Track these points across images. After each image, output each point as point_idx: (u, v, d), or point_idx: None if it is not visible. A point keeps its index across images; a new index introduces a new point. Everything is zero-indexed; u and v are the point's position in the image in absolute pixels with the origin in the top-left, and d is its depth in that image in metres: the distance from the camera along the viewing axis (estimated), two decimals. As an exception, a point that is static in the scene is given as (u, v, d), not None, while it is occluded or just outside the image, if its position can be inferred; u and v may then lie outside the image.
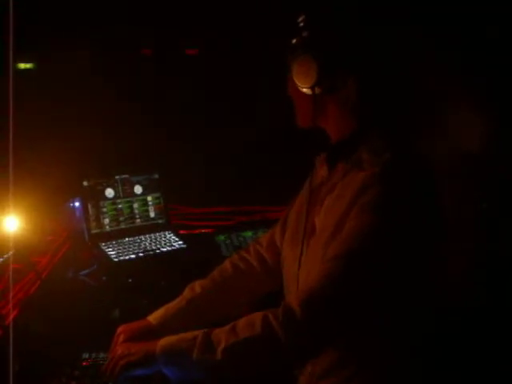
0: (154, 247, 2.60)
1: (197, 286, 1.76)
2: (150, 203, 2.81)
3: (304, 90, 1.43)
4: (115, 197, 2.72)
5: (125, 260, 2.48)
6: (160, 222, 2.82)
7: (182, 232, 2.81)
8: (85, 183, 2.65)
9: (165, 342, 1.41)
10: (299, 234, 1.54)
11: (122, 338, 1.58)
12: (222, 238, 2.73)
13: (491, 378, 2.15)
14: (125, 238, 2.66)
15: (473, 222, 2.52)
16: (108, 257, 2.48)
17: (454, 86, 2.53)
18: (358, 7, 1.42)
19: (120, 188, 2.74)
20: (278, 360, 1.35)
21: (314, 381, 1.49)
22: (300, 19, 1.41)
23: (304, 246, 1.50)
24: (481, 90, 2.52)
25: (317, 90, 1.40)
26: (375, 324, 1.38)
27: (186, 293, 1.75)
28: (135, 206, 2.77)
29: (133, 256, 2.51)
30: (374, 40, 1.40)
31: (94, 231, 2.63)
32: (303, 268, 1.48)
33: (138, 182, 2.80)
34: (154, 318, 1.67)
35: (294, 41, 1.43)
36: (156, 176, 2.84)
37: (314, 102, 1.43)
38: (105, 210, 2.68)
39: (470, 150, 2.54)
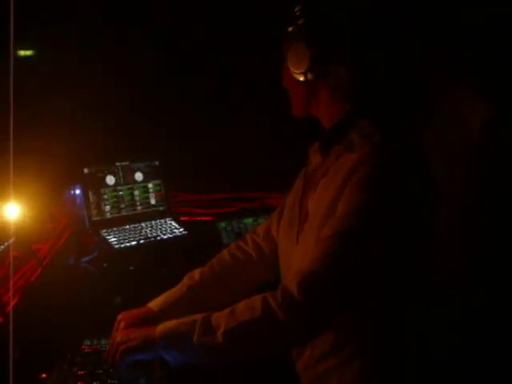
0: (154, 234, 2.61)
1: (196, 273, 1.77)
2: (150, 190, 2.81)
3: (297, 76, 1.45)
4: (116, 184, 2.72)
5: (126, 247, 2.48)
6: (161, 208, 2.82)
7: (182, 219, 2.82)
8: (85, 170, 2.65)
9: (164, 326, 1.42)
10: (294, 220, 1.57)
11: (122, 324, 1.59)
12: (222, 224, 2.73)
13: (490, 378, 2.15)
14: (126, 225, 2.67)
15: (473, 221, 2.52)
16: (109, 244, 2.49)
17: (453, 82, 2.52)
18: None
19: (121, 175, 2.74)
20: (278, 341, 1.37)
21: (313, 364, 1.51)
22: (296, 8, 1.43)
23: (299, 232, 1.52)
24: (480, 87, 2.51)
25: (309, 76, 1.43)
26: (371, 305, 1.39)
27: (186, 280, 1.76)
28: (136, 193, 2.77)
29: (134, 243, 2.51)
30: (367, 28, 1.42)
31: (94, 218, 2.63)
32: (298, 253, 1.49)
33: (139, 169, 2.80)
34: (154, 304, 1.68)
35: (290, 29, 1.45)
36: (156, 163, 2.85)
37: (307, 88, 1.46)
38: (106, 197, 2.68)
39: (470, 149, 2.53)
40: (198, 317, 1.39)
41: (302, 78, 1.44)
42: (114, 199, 2.70)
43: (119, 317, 1.63)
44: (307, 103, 1.50)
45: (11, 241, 2.23)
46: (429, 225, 1.41)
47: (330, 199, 1.39)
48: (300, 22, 1.42)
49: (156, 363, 1.45)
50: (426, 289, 1.47)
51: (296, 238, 1.52)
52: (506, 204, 2.42)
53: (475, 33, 2.40)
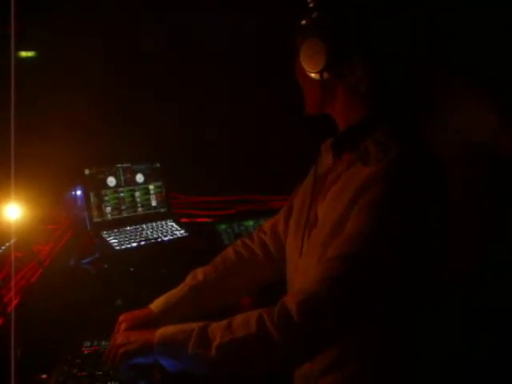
0: (155, 236, 2.61)
1: (199, 272, 1.75)
2: (151, 192, 2.81)
3: (312, 74, 1.37)
4: (117, 185, 2.72)
5: (126, 248, 2.48)
6: (162, 210, 2.82)
7: (183, 221, 2.82)
8: (86, 172, 2.65)
9: (163, 331, 1.40)
10: (302, 223, 1.52)
11: (123, 326, 1.58)
12: (223, 226, 2.73)
13: (490, 378, 2.15)
14: (126, 226, 2.67)
15: (473, 221, 2.52)
16: (110, 245, 2.49)
17: (454, 82, 2.52)
18: None
19: (122, 177, 2.74)
20: (272, 360, 1.32)
21: (313, 380, 1.47)
22: None
23: (305, 236, 1.48)
24: (481, 87, 2.51)
25: (325, 75, 1.35)
26: (375, 325, 1.34)
27: (188, 280, 1.74)
28: (137, 194, 2.77)
29: (134, 244, 2.51)
30: (386, 25, 1.34)
31: (95, 220, 2.64)
32: (304, 258, 1.47)
33: (140, 171, 2.80)
34: (155, 305, 1.67)
35: (303, 22, 1.36)
36: (158, 165, 2.85)
37: (322, 87, 1.37)
38: (106, 198, 2.68)
39: (470, 149, 2.54)
40: (196, 326, 1.36)
41: (317, 77, 1.36)
42: (115, 201, 2.70)
43: (120, 318, 1.63)
44: (322, 102, 1.42)
45: (12, 242, 2.24)
46: (440, 236, 1.34)
47: (336, 214, 1.33)
48: (314, 14, 1.33)
49: (155, 366, 1.44)
50: (435, 289, 1.41)
51: (301, 242, 1.48)
52: (506, 203, 2.42)
53: (475, 34, 2.40)
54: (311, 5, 1.34)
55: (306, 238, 1.48)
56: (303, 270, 1.45)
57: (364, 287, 1.26)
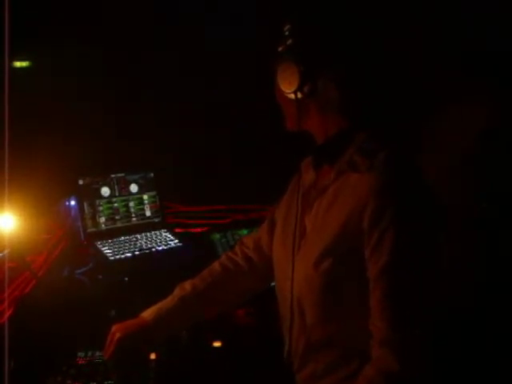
0: (149, 246, 2.61)
1: (187, 284, 1.77)
2: (145, 202, 2.81)
3: (288, 94, 1.47)
4: (111, 195, 2.72)
5: (121, 259, 2.48)
6: (156, 220, 2.82)
7: (177, 231, 2.82)
8: (80, 182, 2.65)
9: None
10: (290, 236, 1.56)
11: (117, 336, 1.59)
12: (217, 236, 2.73)
13: (490, 378, 2.15)
14: (120, 236, 2.67)
15: (473, 221, 2.52)
16: (104, 255, 2.49)
17: (448, 84, 2.54)
18: (340, 15, 1.47)
19: (116, 187, 2.74)
20: None
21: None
22: (285, 28, 1.46)
23: (295, 248, 1.51)
24: (476, 86, 2.53)
25: (299, 95, 1.45)
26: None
27: (177, 291, 1.76)
28: (131, 204, 2.77)
29: (129, 255, 2.51)
30: (353, 46, 1.45)
31: (89, 230, 2.63)
32: (296, 269, 1.49)
33: (134, 181, 2.80)
34: (148, 314, 1.68)
35: (280, 48, 1.47)
36: (151, 175, 2.85)
37: (297, 105, 1.47)
38: (100, 208, 2.68)
39: (469, 149, 2.54)
40: None
41: (292, 96, 1.46)
42: (109, 211, 2.70)
43: (113, 328, 1.63)
44: (299, 119, 1.50)
45: (6, 252, 2.23)
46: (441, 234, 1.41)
47: (338, 223, 1.38)
48: (289, 42, 1.45)
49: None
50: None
51: (292, 251, 1.51)
52: (506, 203, 2.43)
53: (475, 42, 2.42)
54: (286, 33, 1.46)
55: (296, 250, 1.51)
56: (296, 278, 1.48)
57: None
